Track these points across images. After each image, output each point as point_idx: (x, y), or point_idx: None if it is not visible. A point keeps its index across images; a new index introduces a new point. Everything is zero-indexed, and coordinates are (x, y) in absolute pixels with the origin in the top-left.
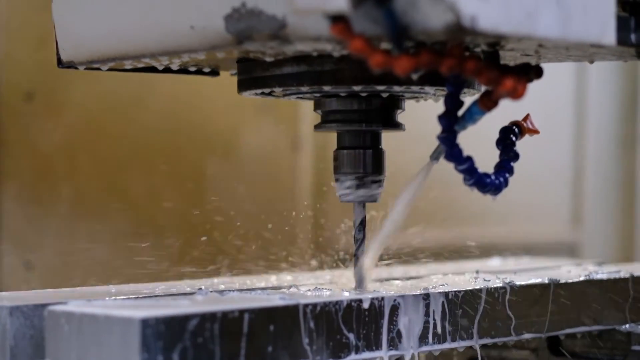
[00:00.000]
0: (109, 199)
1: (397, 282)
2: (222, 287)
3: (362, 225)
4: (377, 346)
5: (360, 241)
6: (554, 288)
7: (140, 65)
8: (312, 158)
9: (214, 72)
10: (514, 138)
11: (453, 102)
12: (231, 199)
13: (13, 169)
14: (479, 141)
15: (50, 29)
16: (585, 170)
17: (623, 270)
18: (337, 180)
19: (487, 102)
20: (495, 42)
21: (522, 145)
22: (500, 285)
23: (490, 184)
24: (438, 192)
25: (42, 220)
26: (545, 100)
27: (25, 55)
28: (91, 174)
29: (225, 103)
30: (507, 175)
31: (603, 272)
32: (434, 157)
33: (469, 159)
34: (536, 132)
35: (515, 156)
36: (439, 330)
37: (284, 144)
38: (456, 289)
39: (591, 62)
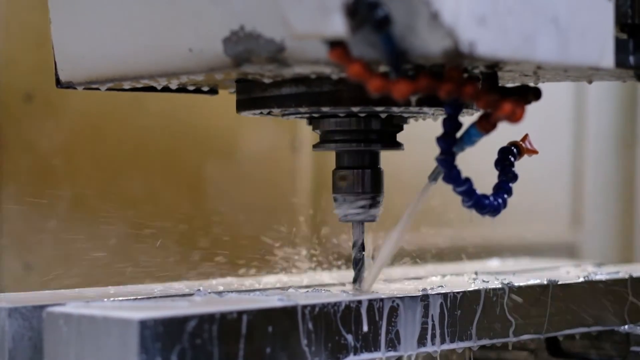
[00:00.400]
0: (108, 200)
1: (395, 283)
2: (220, 288)
3: (361, 245)
4: (376, 347)
5: (359, 261)
6: (553, 289)
7: (139, 85)
8: (311, 159)
9: (213, 91)
10: (512, 159)
11: (451, 124)
12: (230, 200)
13: (12, 170)
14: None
15: (49, 29)
16: (585, 170)
17: (622, 271)
18: (335, 200)
19: (486, 125)
20: (494, 65)
21: None
22: (499, 286)
23: (489, 205)
24: (437, 193)
25: (41, 221)
26: (544, 100)
27: (24, 56)
28: (90, 175)
29: (224, 104)
30: (505, 196)
31: (602, 273)
32: (433, 178)
33: (468, 180)
34: (535, 152)
35: (514, 177)
36: (438, 331)
37: (283, 144)
38: (455, 290)
39: (590, 82)
